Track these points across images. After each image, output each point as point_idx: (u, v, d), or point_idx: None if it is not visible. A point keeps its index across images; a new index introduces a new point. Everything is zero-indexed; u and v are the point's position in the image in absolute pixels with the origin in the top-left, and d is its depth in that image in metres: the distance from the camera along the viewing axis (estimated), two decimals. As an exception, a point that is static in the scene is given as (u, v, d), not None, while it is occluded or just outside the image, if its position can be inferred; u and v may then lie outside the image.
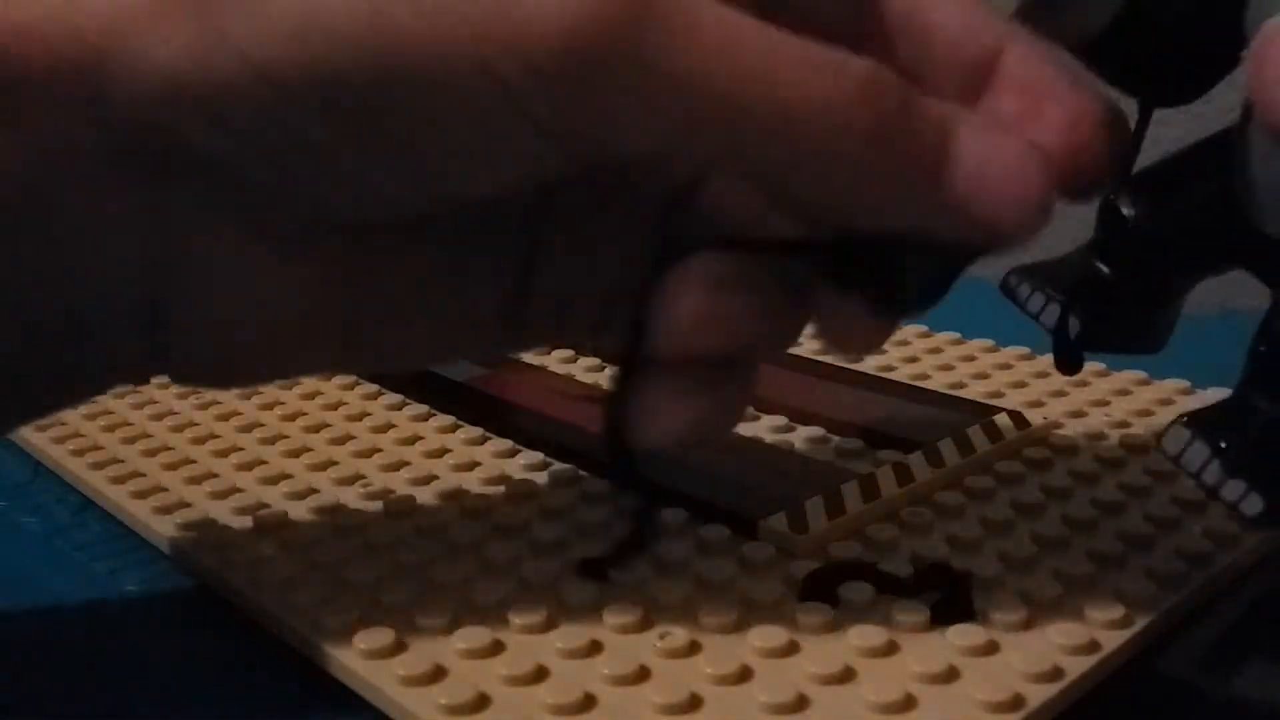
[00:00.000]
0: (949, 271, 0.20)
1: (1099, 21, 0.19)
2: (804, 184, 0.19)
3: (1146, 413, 0.32)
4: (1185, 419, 0.20)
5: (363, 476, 0.29)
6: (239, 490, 0.28)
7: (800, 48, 0.18)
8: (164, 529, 0.26)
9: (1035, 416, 0.31)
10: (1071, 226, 0.21)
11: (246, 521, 0.26)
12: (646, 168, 0.20)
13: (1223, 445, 0.20)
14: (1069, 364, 0.24)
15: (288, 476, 0.28)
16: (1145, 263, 0.22)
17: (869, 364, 0.36)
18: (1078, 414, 0.32)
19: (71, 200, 0.20)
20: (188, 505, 0.27)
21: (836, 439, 0.30)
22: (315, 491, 0.28)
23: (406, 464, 0.29)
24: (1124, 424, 0.31)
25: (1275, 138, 0.17)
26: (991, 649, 0.21)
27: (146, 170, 0.20)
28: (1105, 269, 0.22)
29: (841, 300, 0.20)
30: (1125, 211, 0.21)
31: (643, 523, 0.24)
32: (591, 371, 0.36)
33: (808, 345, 0.38)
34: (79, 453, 0.30)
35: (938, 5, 0.20)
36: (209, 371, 0.23)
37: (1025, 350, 0.37)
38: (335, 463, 0.29)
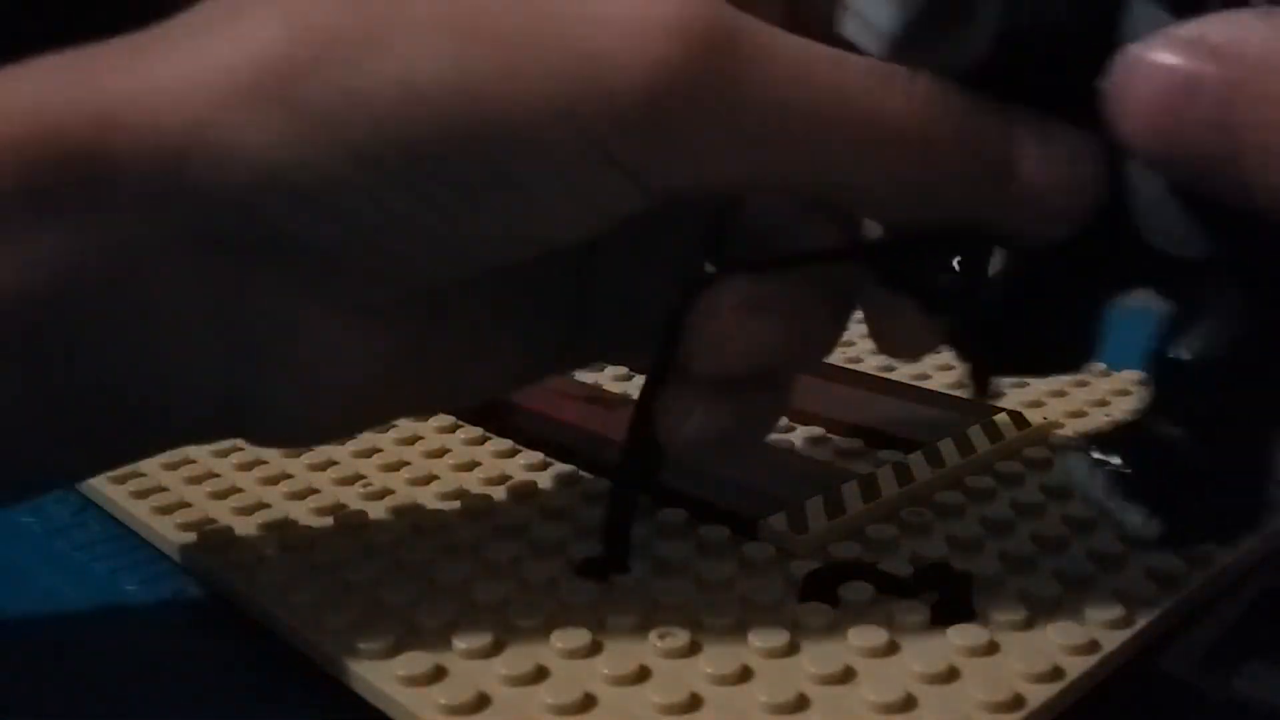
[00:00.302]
0: (985, 265, 0.20)
1: (973, 53, 0.19)
2: (881, 192, 0.19)
3: (1146, 413, 0.32)
4: (1086, 443, 0.20)
5: (363, 476, 0.28)
6: (239, 490, 0.28)
7: (866, 64, 0.18)
8: (164, 529, 0.26)
9: (1035, 416, 0.31)
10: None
11: (247, 521, 0.26)
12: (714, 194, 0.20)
13: (1122, 469, 0.19)
14: (983, 390, 0.23)
15: (288, 476, 0.28)
16: (1048, 284, 0.22)
17: (869, 364, 0.36)
18: (1078, 414, 0.32)
19: (155, 288, 0.19)
20: (188, 505, 0.27)
21: (836, 439, 0.30)
22: (315, 491, 0.28)
23: (407, 464, 0.29)
24: (1124, 424, 0.31)
25: (1139, 159, 0.17)
26: (991, 649, 0.21)
27: (232, 254, 0.20)
28: (1011, 293, 0.22)
29: (894, 302, 0.21)
30: None
31: (618, 510, 0.24)
32: (592, 371, 0.36)
33: (808, 345, 0.38)
34: (120, 480, 0.30)
35: None
36: (287, 435, 0.23)
37: (1025, 350, 0.37)
38: (335, 462, 0.29)
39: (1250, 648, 0.21)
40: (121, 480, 0.28)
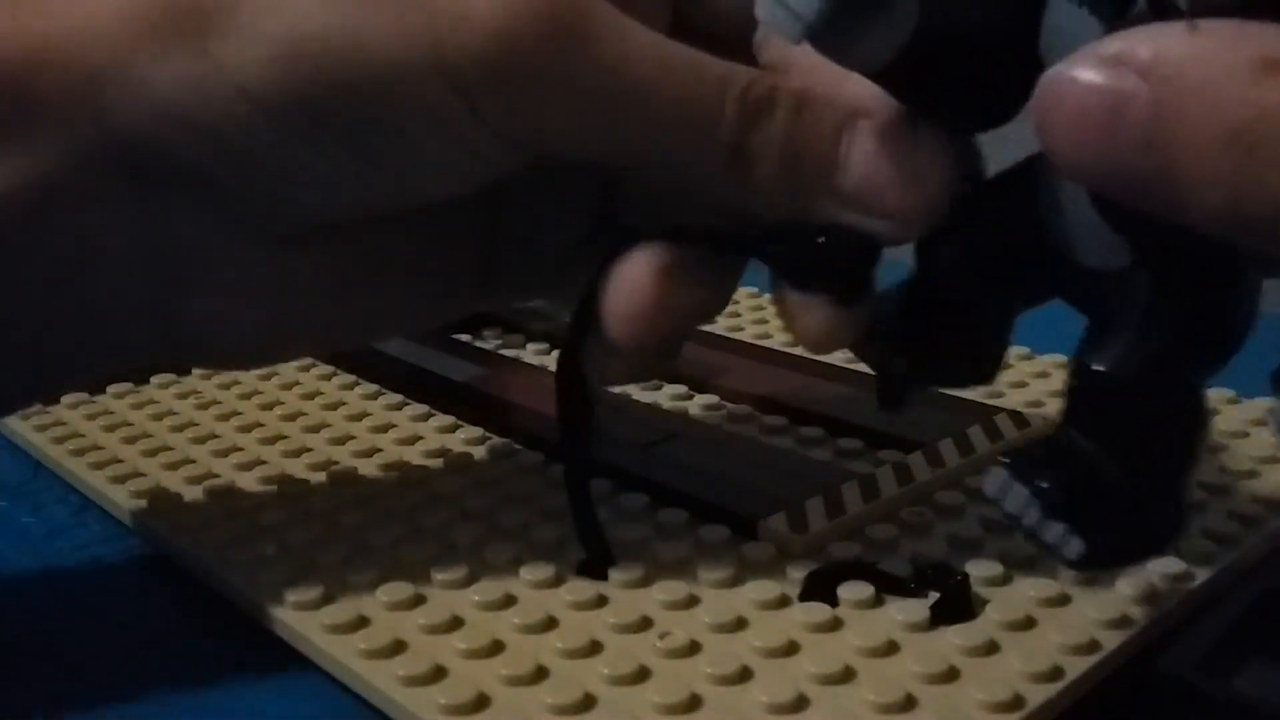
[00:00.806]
0: (866, 259, 0.21)
1: (891, 46, 0.18)
2: (701, 178, 0.21)
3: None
4: (1005, 459, 0.20)
5: (365, 477, 0.28)
6: (239, 490, 0.28)
7: (694, 59, 0.20)
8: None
9: (1035, 416, 0.31)
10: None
11: (247, 520, 0.26)
12: (579, 162, 0.22)
13: (1042, 486, 0.19)
14: (893, 402, 0.23)
15: (286, 479, 0.28)
16: (962, 295, 0.22)
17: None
18: (1078, 414, 0.32)
19: (81, 204, 0.21)
20: (191, 505, 0.27)
21: (837, 439, 0.30)
22: (311, 493, 0.28)
23: (406, 464, 0.29)
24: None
25: (1066, 176, 0.17)
26: (991, 649, 0.21)
27: (145, 180, 0.22)
28: (924, 303, 0.22)
29: (802, 296, 0.21)
30: (939, 245, 0.21)
31: (578, 499, 0.24)
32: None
33: (808, 345, 0.38)
34: (79, 452, 0.30)
35: None
36: (218, 357, 0.26)
37: (1025, 350, 0.37)
38: (335, 462, 0.29)
39: (1250, 648, 0.21)
40: (122, 480, 0.28)
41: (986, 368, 0.23)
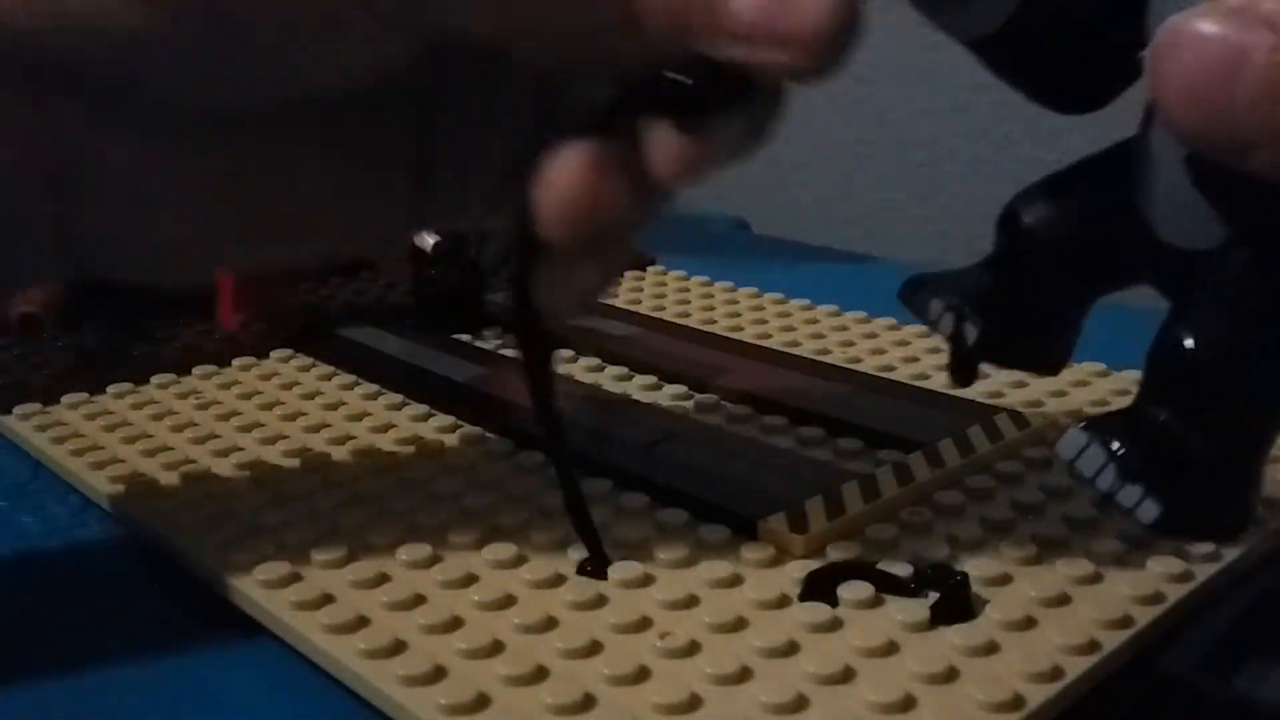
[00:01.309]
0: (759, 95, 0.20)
1: (993, 19, 0.18)
2: (590, 39, 0.21)
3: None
4: (1082, 425, 0.20)
5: (363, 477, 0.28)
6: (237, 490, 0.28)
7: None
8: (164, 528, 0.26)
9: (1035, 416, 0.31)
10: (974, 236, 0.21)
11: (244, 521, 0.26)
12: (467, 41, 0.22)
13: (1118, 451, 0.19)
14: (963, 374, 0.23)
15: (286, 479, 0.28)
16: (1043, 272, 0.21)
17: (869, 364, 0.36)
18: (1077, 414, 0.32)
19: None
20: (191, 506, 0.27)
21: (836, 439, 0.30)
22: (312, 493, 0.28)
23: (406, 465, 0.29)
24: (1124, 424, 0.31)
25: (1175, 134, 0.17)
26: (991, 649, 0.21)
27: (36, 83, 0.21)
28: (1004, 279, 0.22)
29: (655, 128, 0.21)
30: (1025, 220, 0.21)
31: (567, 484, 0.24)
32: (591, 371, 0.36)
33: (807, 346, 0.38)
34: (79, 452, 0.30)
35: None
36: (133, 268, 0.24)
37: (1025, 350, 0.37)
38: (334, 462, 0.29)
39: (1250, 648, 0.21)
40: (121, 481, 0.28)
41: (1056, 354, 0.23)
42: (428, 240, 0.38)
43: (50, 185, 0.22)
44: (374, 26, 0.21)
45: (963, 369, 0.23)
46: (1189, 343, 0.19)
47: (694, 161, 0.21)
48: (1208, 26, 0.15)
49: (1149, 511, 0.19)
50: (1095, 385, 0.34)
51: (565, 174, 0.21)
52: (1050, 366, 0.23)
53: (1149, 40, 0.17)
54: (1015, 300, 0.22)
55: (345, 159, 0.24)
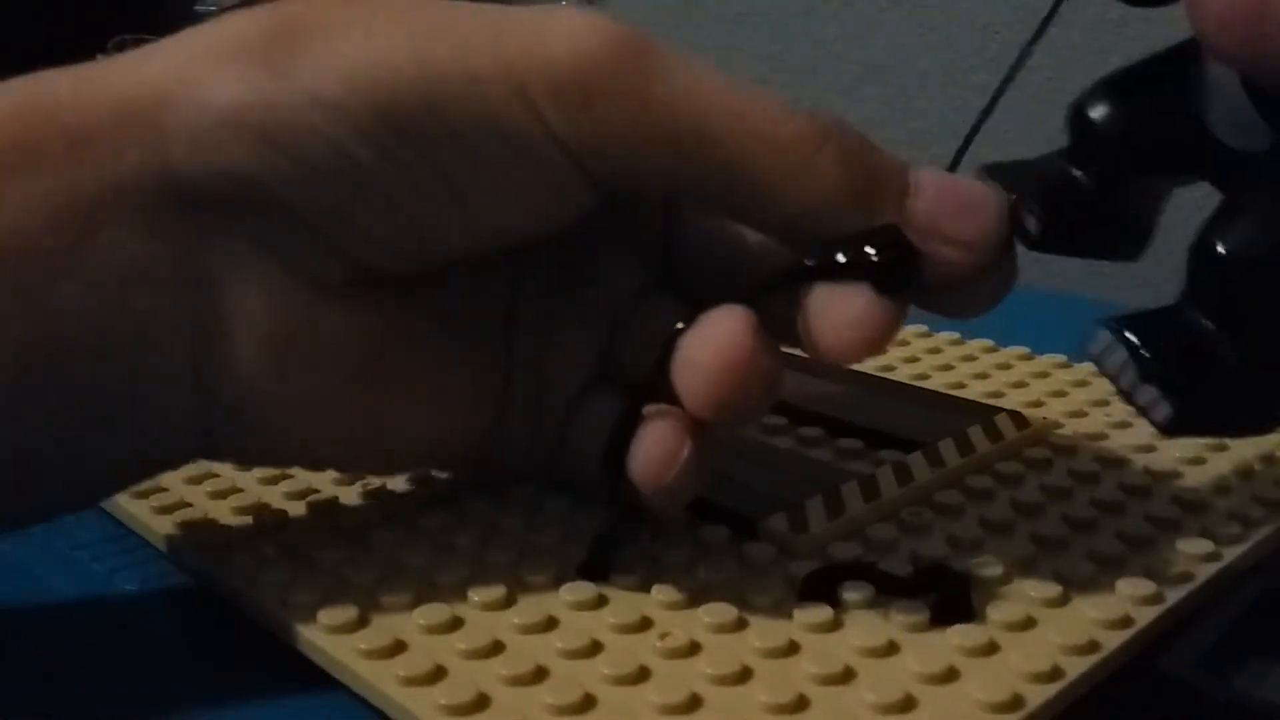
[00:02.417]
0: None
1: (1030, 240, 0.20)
2: (771, 194, 0.21)
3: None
4: (1110, 322, 0.20)
5: (361, 477, 0.28)
6: (238, 490, 0.28)
7: (756, 87, 0.21)
8: (162, 528, 0.26)
9: (1035, 416, 0.31)
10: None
11: (245, 521, 0.26)
12: (650, 196, 0.22)
13: (1141, 350, 0.20)
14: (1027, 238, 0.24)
15: (288, 476, 0.28)
16: (1109, 165, 0.22)
17: (869, 364, 0.36)
18: (1078, 414, 0.32)
19: (123, 232, 0.21)
20: (188, 505, 0.27)
21: (837, 439, 0.30)
22: (315, 491, 0.28)
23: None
24: (1124, 424, 0.31)
25: (1217, 59, 0.18)
26: (992, 649, 0.21)
27: (195, 211, 0.21)
28: (1072, 170, 0.22)
29: (838, 287, 0.21)
30: (1092, 115, 0.22)
31: (615, 526, 0.24)
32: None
33: (808, 345, 0.38)
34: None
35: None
36: (260, 440, 0.23)
37: (1025, 350, 0.37)
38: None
39: (1250, 648, 0.21)
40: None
41: (1125, 243, 0.23)
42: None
43: (190, 328, 0.22)
44: (563, 171, 0.21)
45: (1023, 237, 0.23)
46: (1222, 249, 0.19)
47: (878, 330, 0.21)
48: None
49: (1162, 411, 0.20)
50: (1096, 385, 0.34)
51: (720, 341, 0.21)
52: (1121, 253, 0.24)
53: None
54: (1083, 191, 0.22)
55: (439, 333, 0.24)
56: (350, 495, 0.27)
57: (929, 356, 0.37)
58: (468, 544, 0.25)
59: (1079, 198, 0.22)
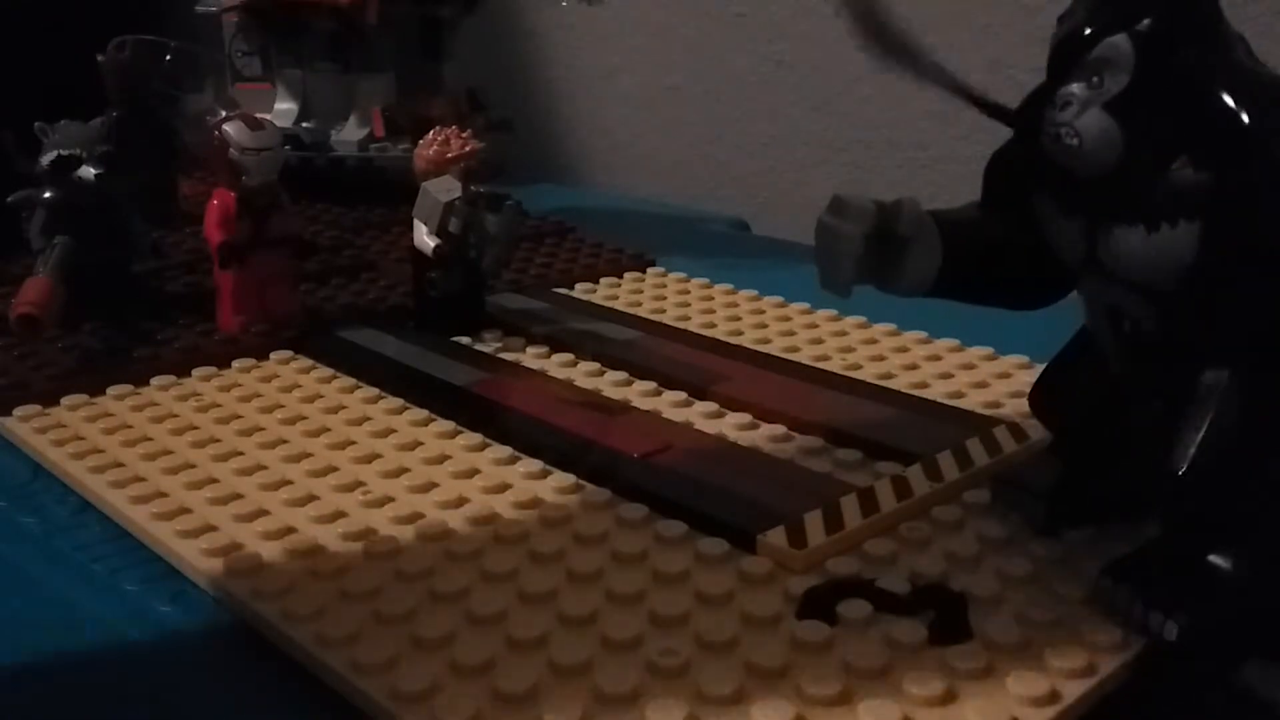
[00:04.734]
0: None
1: (924, 284, 0.23)
2: None
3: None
4: (1110, 570, 0.23)
5: (361, 478, 0.29)
6: (239, 496, 0.28)
7: None
8: (163, 532, 0.26)
9: (1033, 429, 0.31)
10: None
11: (246, 519, 0.26)
12: None
13: (1138, 588, 0.22)
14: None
15: (289, 482, 0.28)
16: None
17: (868, 372, 0.36)
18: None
19: None
20: (189, 510, 0.27)
21: (835, 449, 0.30)
22: (312, 495, 0.28)
23: (406, 469, 0.29)
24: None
25: None
26: (988, 672, 0.21)
27: None
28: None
29: None
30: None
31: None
32: (591, 376, 0.36)
33: (806, 351, 0.38)
34: (79, 455, 0.30)
35: None
36: None
37: (1024, 359, 0.37)
38: (334, 468, 0.29)
39: (1250, 648, 0.21)
40: (122, 485, 0.28)
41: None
42: (428, 243, 0.38)
43: None
44: None
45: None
46: (1179, 470, 0.21)
47: None
48: None
49: (1170, 630, 0.21)
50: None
51: None
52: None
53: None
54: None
55: None
56: (346, 494, 0.27)
57: (928, 364, 0.37)
58: (468, 551, 0.25)
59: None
